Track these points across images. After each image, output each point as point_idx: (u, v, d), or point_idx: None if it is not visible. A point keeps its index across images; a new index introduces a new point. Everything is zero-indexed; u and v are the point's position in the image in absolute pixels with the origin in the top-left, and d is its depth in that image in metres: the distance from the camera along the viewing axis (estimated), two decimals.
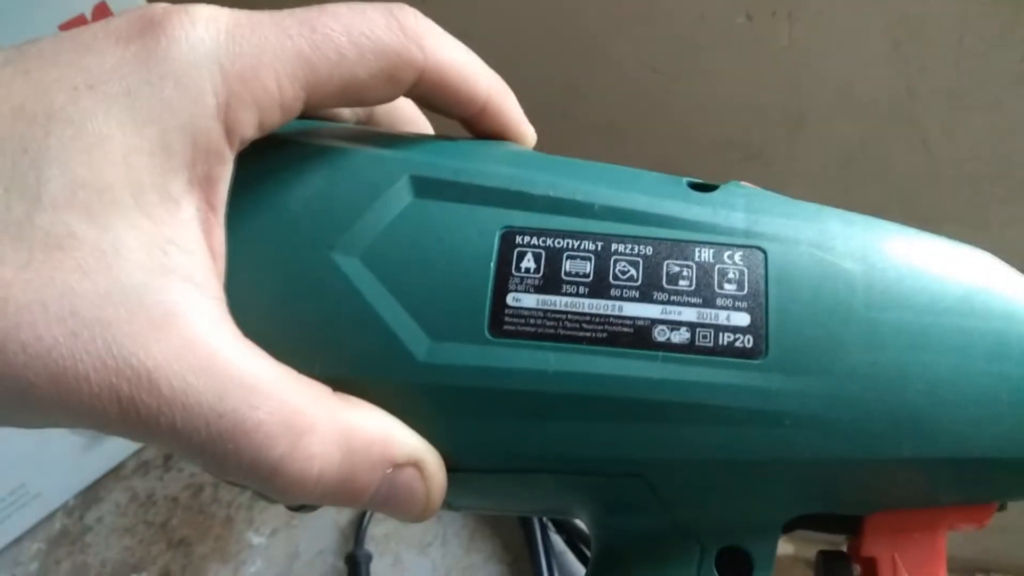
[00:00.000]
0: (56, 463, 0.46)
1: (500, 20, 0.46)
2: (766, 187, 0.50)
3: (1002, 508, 0.19)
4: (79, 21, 0.35)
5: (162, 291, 0.16)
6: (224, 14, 0.17)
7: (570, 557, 0.46)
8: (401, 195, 0.19)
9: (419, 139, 0.21)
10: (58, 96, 0.16)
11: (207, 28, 0.17)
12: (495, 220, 0.19)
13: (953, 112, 0.41)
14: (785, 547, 0.21)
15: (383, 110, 0.24)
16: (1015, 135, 0.41)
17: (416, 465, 0.18)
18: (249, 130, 0.18)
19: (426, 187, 0.19)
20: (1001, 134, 0.41)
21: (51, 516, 0.47)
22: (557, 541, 0.46)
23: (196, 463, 0.17)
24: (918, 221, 0.48)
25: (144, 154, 0.16)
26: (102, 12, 0.36)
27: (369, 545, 0.46)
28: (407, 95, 0.20)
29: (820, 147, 0.45)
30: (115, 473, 0.49)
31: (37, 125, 0.16)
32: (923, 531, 0.19)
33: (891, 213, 0.48)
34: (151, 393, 0.15)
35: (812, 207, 0.20)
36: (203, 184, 0.17)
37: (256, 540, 0.47)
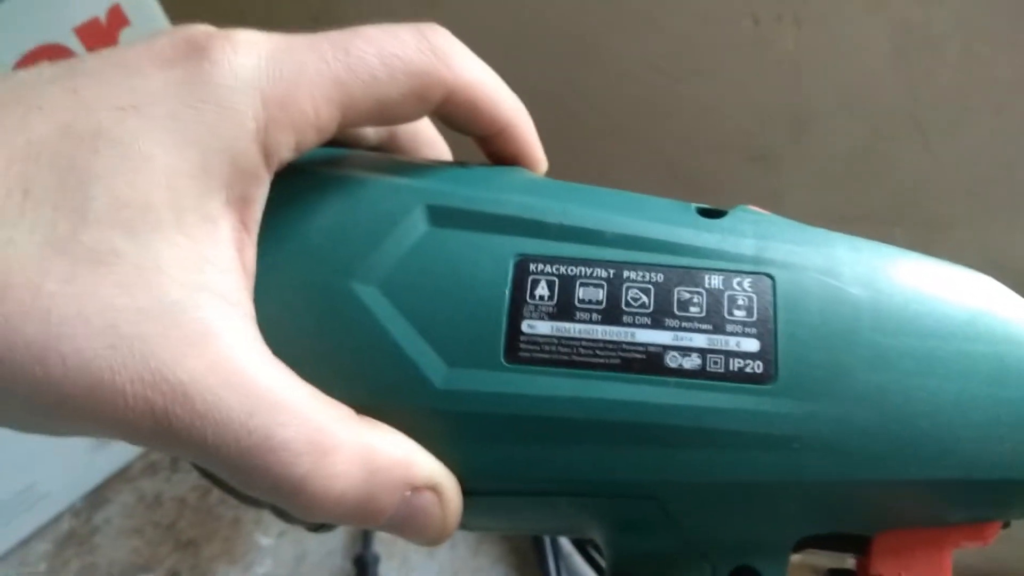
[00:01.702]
0: (64, 464, 0.46)
1: (505, 21, 0.47)
2: (771, 189, 0.50)
3: (1006, 526, 0.20)
4: (93, 24, 0.35)
5: (198, 308, 0.16)
6: (263, 39, 0.18)
7: (578, 559, 0.46)
8: (417, 224, 0.19)
9: (434, 167, 0.21)
10: (104, 116, 0.16)
11: (248, 54, 0.17)
12: (509, 248, 0.19)
13: (957, 116, 0.41)
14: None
15: (405, 130, 0.24)
16: (1019, 140, 0.41)
17: (434, 489, 0.19)
18: (286, 152, 0.18)
19: (441, 216, 0.20)
20: (1005, 139, 0.41)
21: (59, 517, 0.47)
22: (565, 543, 0.47)
23: (222, 477, 0.17)
24: (922, 224, 0.48)
25: (185, 175, 0.17)
26: (116, 15, 0.36)
27: (377, 546, 0.46)
28: (434, 113, 0.20)
29: (824, 150, 0.45)
30: (123, 474, 0.49)
31: (84, 144, 0.16)
32: (929, 550, 0.19)
33: (895, 216, 0.48)
34: (184, 407, 0.16)
35: (820, 233, 0.20)
36: (239, 204, 0.18)
37: (264, 541, 0.47)
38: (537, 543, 0.46)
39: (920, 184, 0.45)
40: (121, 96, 0.17)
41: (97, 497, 0.48)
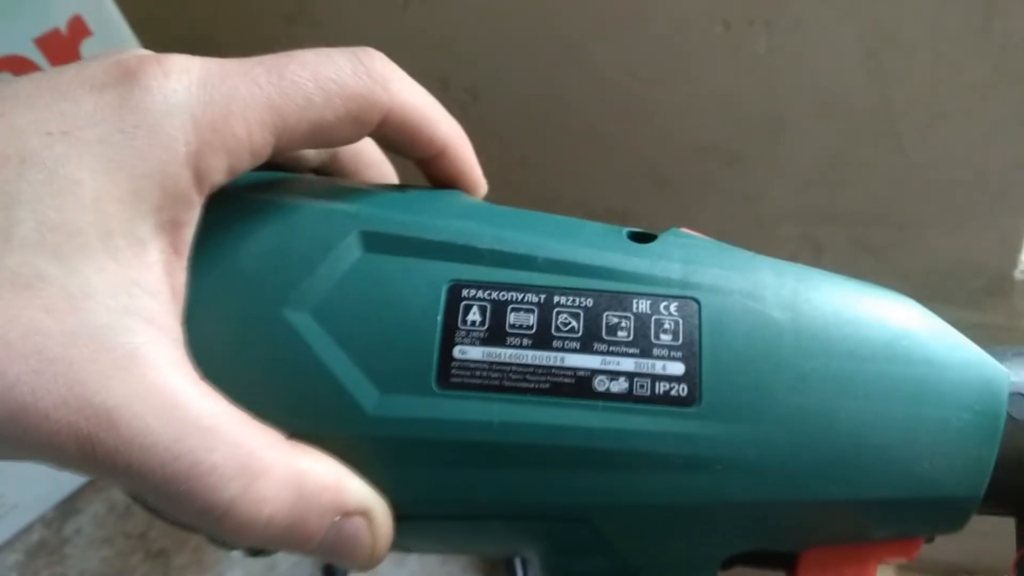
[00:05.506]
0: (34, 474, 0.46)
1: (483, 26, 0.46)
2: (746, 192, 0.50)
3: (930, 541, 0.20)
4: (54, 35, 0.35)
5: (126, 332, 0.16)
6: (195, 64, 0.18)
7: None
8: (351, 250, 0.19)
9: (370, 192, 0.21)
10: (32, 140, 0.16)
11: (179, 79, 0.17)
12: (442, 274, 0.19)
13: (928, 119, 0.41)
14: None
15: (347, 152, 0.24)
16: (989, 142, 0.41)
17: (365, 514, 0.19)
18: (219, 176, 0.18)
19: (375, 242, 0.20)
20: (975, 141, 0.41)
21: (29, 527, 0.47)
22: None
23: (150, 502, 0.17)
24: (895, 226, 0.48)
25: (114, 199, 0.17)
26: (77, 25, 0.36)
27: None
28: (371, 135, 0.20)
29: (798, 153, 0.45)
30: (93, 484, 0.49)
31: (10, 168, 0.16)
32: (855, 565, 0.20)
33: (869, 218, 0.48)
34: (110, 432, 0.16)
35: (746, 256, 0.20)
36: (170, 228, 0.18)
37: (234, 551, 0.47)
38: None
39: (893, 186, 0.45)
40: (51, 121, 0.17)
41: (68, 507, 0.48)
